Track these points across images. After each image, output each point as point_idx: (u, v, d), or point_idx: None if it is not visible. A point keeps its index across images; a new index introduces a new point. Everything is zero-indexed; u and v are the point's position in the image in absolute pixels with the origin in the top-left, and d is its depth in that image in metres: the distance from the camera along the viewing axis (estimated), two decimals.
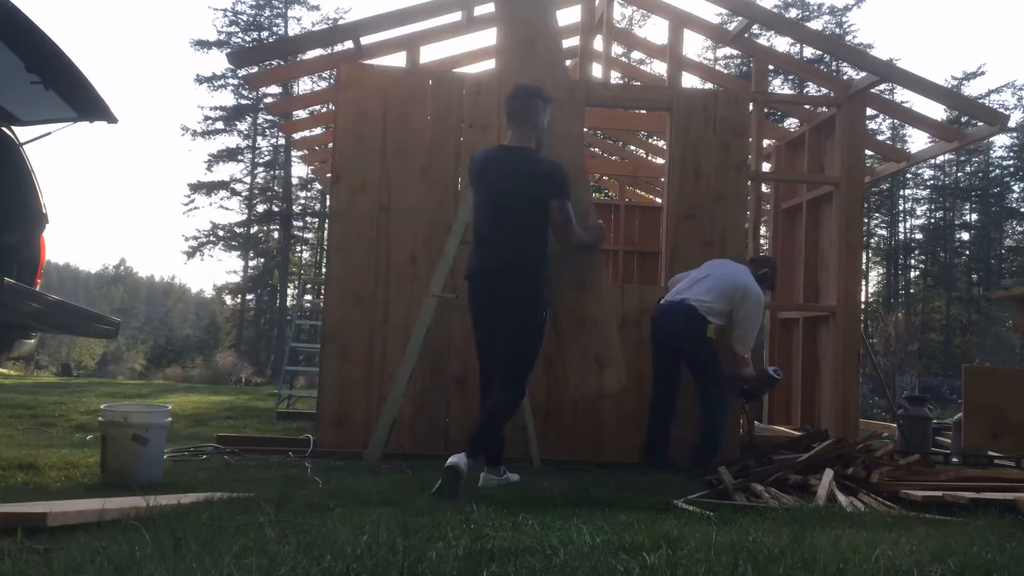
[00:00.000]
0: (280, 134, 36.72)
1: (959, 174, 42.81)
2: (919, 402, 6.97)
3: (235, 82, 39.86)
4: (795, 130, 8.50)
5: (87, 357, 42.30)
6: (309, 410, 8.85)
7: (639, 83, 9.39)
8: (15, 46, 4.05)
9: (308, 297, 18.47)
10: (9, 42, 4.01)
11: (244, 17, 41.65)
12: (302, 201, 42.87)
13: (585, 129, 6.95)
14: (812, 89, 27.73)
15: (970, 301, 38.87)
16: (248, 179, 41.83)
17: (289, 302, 39.51)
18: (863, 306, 12.07)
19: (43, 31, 4.01)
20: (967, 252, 42.84)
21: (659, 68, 16.83)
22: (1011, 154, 41.28)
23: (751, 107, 6.61)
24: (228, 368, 32.44)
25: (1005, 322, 32.04)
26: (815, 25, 36.94)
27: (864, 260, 22.42)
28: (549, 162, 4.41)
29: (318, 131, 9.78)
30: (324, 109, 11.89)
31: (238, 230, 41.20)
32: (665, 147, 6.70)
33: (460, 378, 5.94)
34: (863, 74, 6.78)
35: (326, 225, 22.26)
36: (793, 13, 38.29)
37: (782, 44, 33.46)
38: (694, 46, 44.01)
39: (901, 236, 43.37)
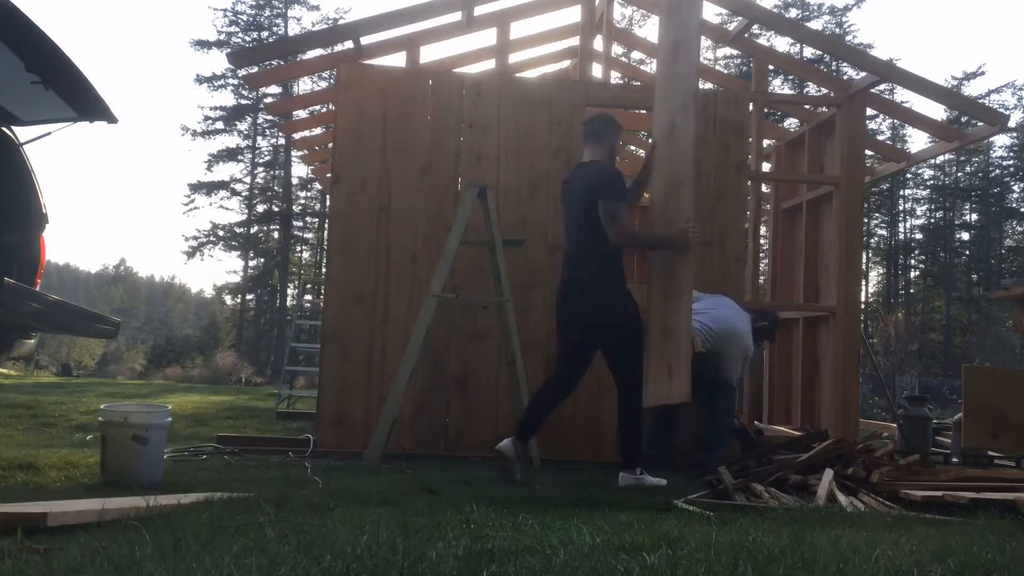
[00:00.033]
0: (280, 134, 36.72)
1: (959, 174, 42.81)
2: (919, 402, 6.97)
3: (235, 82, 39.86)
4: (795, 130, 8.50)
5: (87, 357, 42.29)
6: (309, 410, 8.85)
7: (639, 83, 9.39)
8: (15, 46, 4.05)
9: (308, 297, 18.47)
10: (9, 42, 4.01)
11: (244, 17, 41.66)
12: (302, 201, 42.87)
13: None
14: (812, 89, 27.73)
15: (970, 301, 38.87)
16: (248, 179, 41.84)
17: (289, 302, 39.51)
18: (863, 306, 12.07)
19: (43, 31, 4.01)
20: (967, 252, 42.85)
21: None
22: (1011, 154, 41.28)
23: (751, 107, 6.61)
24: (228, 368, 32.44)
25: (1005, 322, 32.04)
26: (815, 25, 36.94)
27: (864, 260, 22.43)
28: (597, 168, 4.67)
29: (318, 131, 9.78)
30: (324, 109, 11.88)
31: (238, 230, 41.20)
32: None
33: (460, 378, 5.94)
34: (863, 74, 6.78)
35: (326, 225, 22.27)
36: (793, 13, 38.29)
37: (782, 44, 33.50)
38: None
39: (901, 236, 43.38)
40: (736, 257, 6.21)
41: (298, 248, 43.54)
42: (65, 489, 3.81)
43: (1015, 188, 41.58)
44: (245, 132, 41.93)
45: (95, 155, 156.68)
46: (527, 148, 6.13)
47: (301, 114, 20.45)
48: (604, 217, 4.51)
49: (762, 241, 8.93)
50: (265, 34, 41.13)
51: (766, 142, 8.29)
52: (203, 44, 41.28)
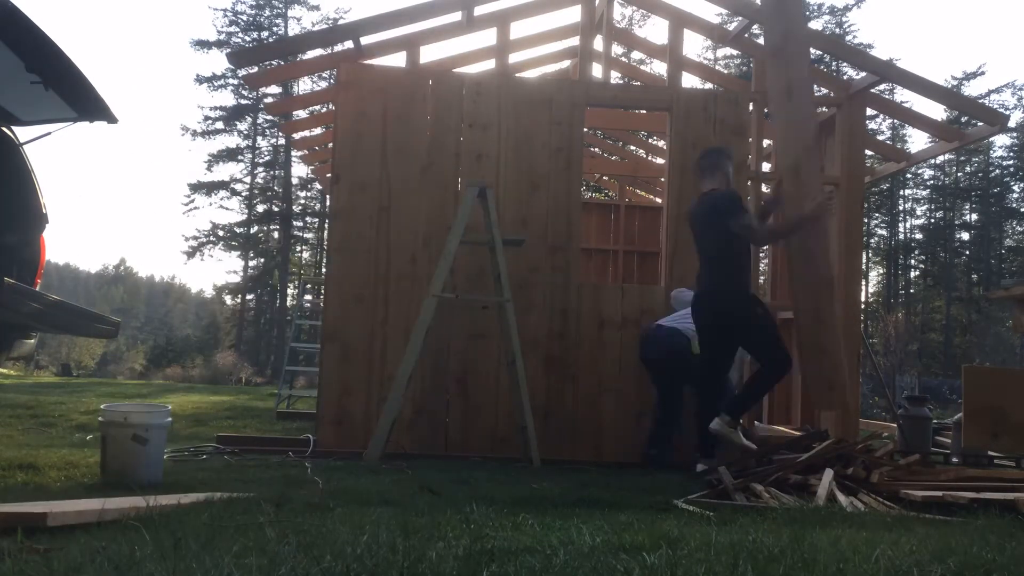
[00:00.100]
0: (280, 134, 36.72)
1: (959, 174, 42.82)
2: (919, 402, 6.96)
3: (235, 82, 39.88)
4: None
5: (87, 357, 42.29)
6: (309, 410, 8.85)
7: (639, 83, 9.39)
8: (15, 46, 4.05)
9: (308, 297, 18.47)
10: (9, 42, 4.01)
11: (244, 17, 41.67)
12: (302, 201, 42.87)
13: (585, 129, 6.95)
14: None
15: (970, 301, 38.86)
16: (248, 179, 41.85)
17: (289, 302, 39.52)
18: (863, 306, 12.05)
19: (43, 31, 4.01)
20: (967, 252, 42.84)
21: (659, 68, 16.84)
22: (1011, 154, 41.29)
23: (751, 107, 6.61)
24: (228, 368, 32.44)
25: (1005, 322, 32.04)
26: (815, 25, 36.94)
27: (864, 260, 22.42)
28: (716, 196, 5.25)
29: (318, 131, 9.77)
30: (324, 109, 11.89)
31: (238, 230, 41.20)
32: (665, 147, 6.70)
33: (460, 378, 5.94)
34: (863, 74, 6.78)
35: (326, 225, 22.26)
36: None
37: None
38: (694, 46, 44.01)
39: (901, 236, 43.38)
40: None
41: (298, 248, 43.55)
42: (65, 489, 3.81)
43: (1015, 188, 41.61)
44: (245, 132, 41.96)
45: (95, 155, 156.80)
46: (527, 148, 6.14)
47: (301, 114, 20.46)
48: (741, 232, 5.11)
49: None
50: (265, 34, 41.15)
51: (766, 142, 8.28)
52: (203, 44, 41.33)
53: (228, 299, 44.12)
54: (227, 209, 44.87)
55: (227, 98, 41.73)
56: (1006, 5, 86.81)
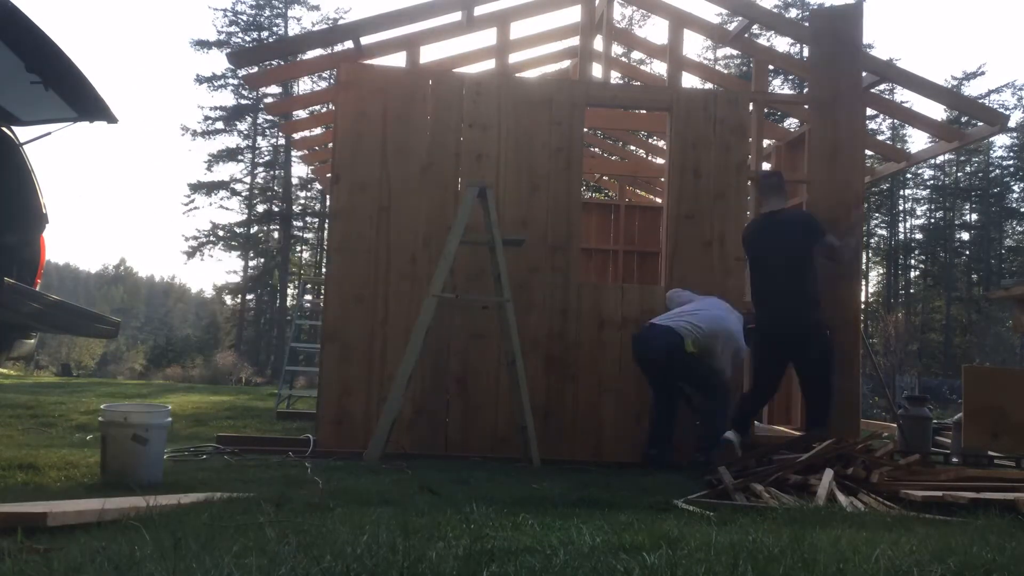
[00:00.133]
0: (280, 134, 36.71)
1: (959, 174, 42.81)
2: (919, 402, 6.96)
3: (235, 82, 39.87)
4: (795, 130, 8.50)
5: (87, 357, 42.29)
6: (309, 410, 8.85)
7: (639, 83, 9.39)
8: (15, 46, 4.05)
9: (308, 297, 18.48)
10: (9, 42, 4.01)
11: (244, 17, 41.67)
12: (302, 201, 42.87)
13: (585, 129, 6.95)
14: None
15: (970, 301, 38.85)
16: (248, 179, 41.85)
17: (289, 302, 39.52)
18: (863, 306, 12.04)
19: (43, 31, 4.01)
20: (967, 252, 42.83)
21: (659, 68, 16.83)
22: (1011, 154, 41.28)
23: (751, 107, 6.61)
24: (228, 368, 32.44)
25: (1005, 322, 32.02)
26: None
27: (864, 260, 22.40)
28: (796, 216, 5.65)
29: (318, 131, 9.78)
30: (324, 109, 11.88)
31: (238, 230, 41.20)
32: (665, 147, 6.70)
33: (460, 378, 5.94)
34: (863, 74, 6.77)
35: (326, 225, 22.25)
36: (793, 13, 38.27)
37: (782, 44, 33.44)
38: (694, 46, 44.00)
39: (901, 236, 43.37)
40: (736, 257, 6.21)
41: (298, 248, 43.55)
42: (65, 489, 3.81)
43: (1015, 188, 41.59)
44: (245, 132, 41.96)
45: (95, 155, 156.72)
46: (527, 148, 6.14)
47: (301, 114, 20.45)
48: (827, 254, 5.58)
49: None
50: (265, 34, 41.14)
51: (766, 142, 8.29)
52: (203, 44, 41.32)
53: (228, 299, 44.12)
54: (227, 209, 44.89)
55: (227, 98, 41.79)
56: (1006, 5, 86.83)
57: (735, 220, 6.24)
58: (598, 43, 7.40)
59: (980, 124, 7.06)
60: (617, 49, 10.91)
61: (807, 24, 6.42)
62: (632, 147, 14.12)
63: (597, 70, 7.37)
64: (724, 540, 2.43)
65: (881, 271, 43.54)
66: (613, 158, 12.22)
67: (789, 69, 26.36)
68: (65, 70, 4.27)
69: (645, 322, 5.96)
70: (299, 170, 40.71)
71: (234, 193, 41.43)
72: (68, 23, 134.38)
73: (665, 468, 5.35)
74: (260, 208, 41.77)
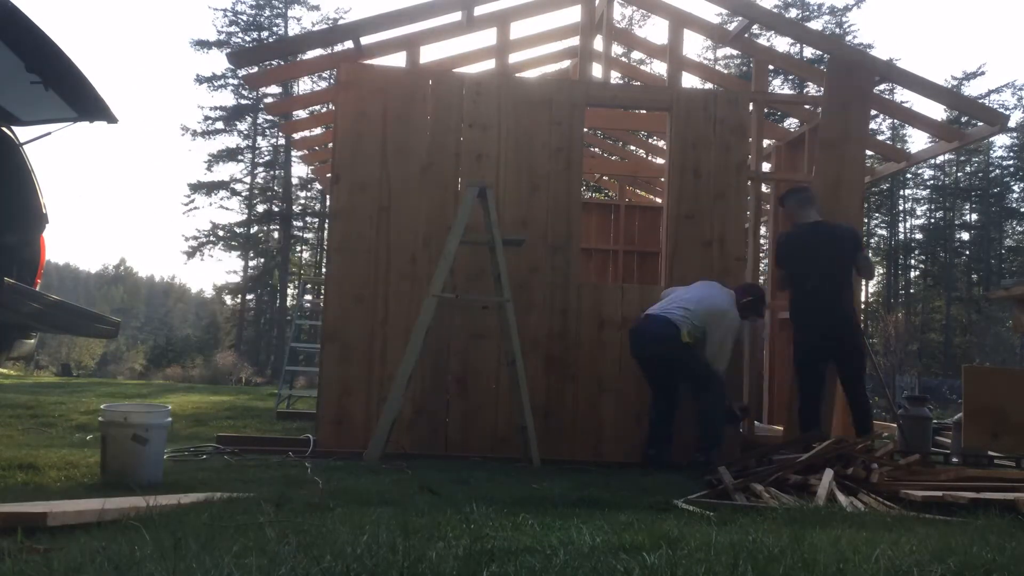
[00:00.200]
0: (280, 134, 36.71)
1: (959, 174, 42.80)
2: (919, 402, 6.96)
3: (235, 82, 39.87)
4: (795, 130, 8.50)
5: (87, 357, 42.29)
6: (309, 410, 8.85)
7: (639, 83, 9.39)
8: (15, 46, 4.04)
9: (308, 297, 18.48)
10: (9, 42, 4.01)
11: (244, 17, 41.67)
12: (302, 201, 42.87)
13: (585, 129, 6.95)
14: (812, 89, 27.70)
15: (970, 301, 38.84)
16: (248, 179, 41.85)
17: (289, 302, 39.51)
18: (863, 306, 12.03)
19: (43, 31, 4.01)
20: (967, 252, 42.83)
21: (659, 68, 16.83)
22: (1011, 154, 41.27)
23: (751, 107, 6.61)
24: (228, 368, 32.44)
25: (1005, 322, 32.03)
26: (815, 25, 36.93)
27: None
28: (843, 229, 5.82)
29: (318, 131, 9.77)
30: (324, 109, 11.88)
31: (238, 230, 41.20)
32: (665, 147, 6.70)
33: (460, 378, 5.94)
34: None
35: (326, 225, 22.25)
36: (793, 13, 38.29)
37: (782, 44, 33.46)
38: (694, 46, 44.02)
39: (901, 236, 43.36)
40: (736, 257, 6.21)
41: (298, 248, 43.55)
42: (65, 489, 3.81)
43: (1015, 188, 41.59)
44: (245, 132, 41.96)
45: (95, 155, 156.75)
46: (527, 148, 6.14)
47: (301, 114, 20.44)
48: (864, 264, 5.91)
49: (762, 241, 8.93)
50: (265, 34, 41.14)
51: (766, 142, 8.28)
52: (203, 44, 41.33)
53: (228, 299, 44.12)
54: (227, 209, 44.91)
55: (227, 98, 41.79)
56: (1006, 5, 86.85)
57: (735, 220, 6.25)
58: (598, 43, 7.40)
59: (980, 124, 7.05)
60: (617, 49, 10.91)
61: (823, 68, 6.77)
62: (632, 147, 14.11)
63: (597, 70, 7.37)
64: (724, 540, 2.43)
65: (881, 271, 43.53)
66: (613, 158, 12.22)
67: (789, 69, 26.33)
68: (65, 70, 4.27)
69: (631, 327, 5.96)
70: (299, 170, 40.75)
71: (234, 193, 41.45)
72: (68, 23, 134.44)
73: (665, 468, 5.35)
74: (260, 208, 41.77)
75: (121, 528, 2.51)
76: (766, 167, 8.43)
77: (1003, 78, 76.82)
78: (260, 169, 42.25)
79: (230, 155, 41.39)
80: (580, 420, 5.99)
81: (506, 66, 6.66)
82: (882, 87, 7.42)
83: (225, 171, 41.54)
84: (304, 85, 36.72)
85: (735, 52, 29.53)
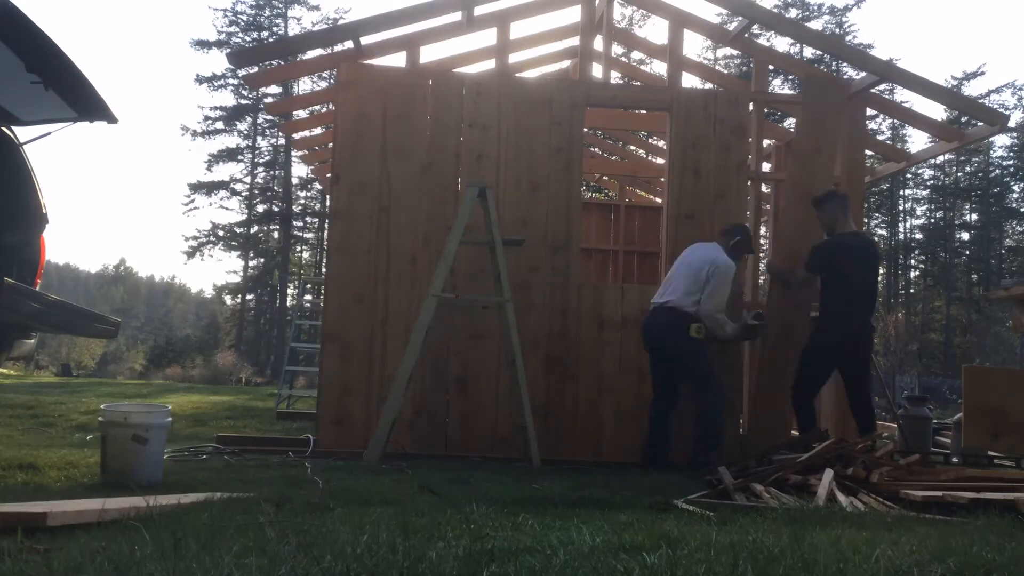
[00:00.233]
0: (280, 134, 36.70)
1: (959, 174, 42.79)
2: (919, 402, 6.96)
3: (235, 82, 39.85)
4: (795, 130, 8.48)
5: (87, 357, 42.28)
6: (309, 410, 8.85)
7: (639, 83, 9.39)
8: (15, 46, 4.04)
9: (308, 297, 18.50)
10: (9, 42, 4.01)
11: (244, 17, 41.65)
12: (302, 201, 42.86)
13: (585, 129, 6.95)
14: None
15: (970, 301, 38.83)
16: (248, 179, 41.83)
17: (289, 302, 39.50)
18: None
19: (43, 31, 4.01)
20: (967, 252, 42.82)
21: (659, 68, 16.83)
22: (1011, 154, 41.25)
23: (751, 107, 6.61)
24: (228, 368, 32.43)
25: (1005, 322, 32.02)
26: (815, 25, 36.92)
27: None
28: (872, 240, 6.01)
29: (318, 131, 9.77)
30: (324, 109, 11.88)
31: (238, 230, 41.18)
32: (665, 147, 6.70)
33: (460, 378, 5.94)
34: (863, 74, 6.78)
35: (326, 225, 22.26)
36: (793, 13, 38.27)
37: (782, 44, 33.47)
38: (694, 46, 44.01)
39: (901, 236, 43.36)
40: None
41: (298, 248, 43.53)
42: (65, 489, 3.81)
43: (1015, 188, 41.57)
44: (245, 132, 41.94)
45: (95, 155, 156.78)
46: (527, 148, 6.14)
47: (301, 114, 20.45)
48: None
49: (762, 241, 8.93)
50: (265, 34, 41.12)
51: (766, 142, 8.28)
52: (203, 44, 41.30)
53: (228, 299, 44.10)
54: (227, 209, 44.90)
55: (227, 98, 41.76)
56: (1006, 5, 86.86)
57: (735, 220, 6.24)
58: (598, 43, 7.39)
59: (980, 124, 7.05)
60: (617, 49, 10.91)
61: (800, 86, 6.95)
62: (632, 147, 14.11)
63: (597, 70, 7.37)
64: (724, 540, 2.43)
65: (881, 271, 43.49)
66: (613, 158, 12.22)
67: (789, 69, 26.32)
68: (65, 70, 4.27)
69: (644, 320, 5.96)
70: (299, 170, 40.73)
71: (234, 193, 41.43)
72: (68, 23, 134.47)
73: (665, 468, 5.35)
74: (260, 208, 41.76)
75: (121, 528, 2.51)
76: (766, 167, 8.43)
77: (1003, 78, 76.89)
78: (260, 169, 42.24)
79: (230, 155, 41.38)
80: (580, 420, 5.99)
81: (506, 66, 6.66)
82: (882, 87, 7.41)
83: (225, 171, 41.57)
84: (304, 85, 36.73)
85: (735, 52, 29.53)
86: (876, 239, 41.31)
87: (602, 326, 6.10)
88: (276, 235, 41.69)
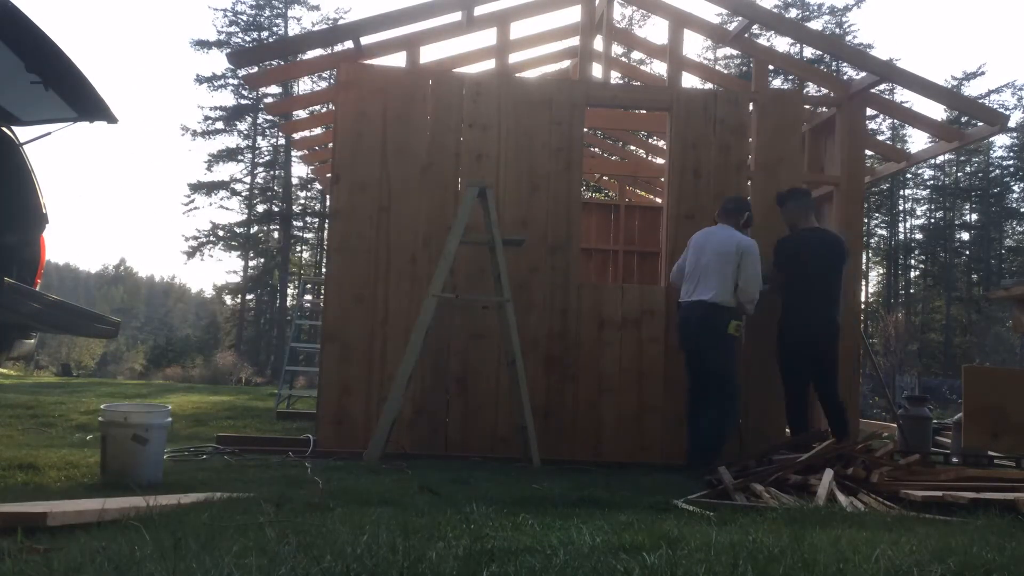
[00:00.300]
0: (280, 134, 36.71)
1: (959, 174, 42.80)
2: (919, 402, 6.97)
3: (235, 82, 39.86)
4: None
5: (87, 357, 42.29)
6: (309, 410, 8.85)
7: (639, 83, 9.39)
8: (15, 46, 4.04)
9: (308, 297, 18.48)
10: (9, 42, 4.01)
11: (244, 17, 41.66)
12: (302, 201, 42.86)
13: (585, 129, 6.95)
14: (812, 89, 27.67)
15: (970, 301, 38.84)
16: (248, 179, 41.84)
17: (289, 302, 39.50)
18: (863, 306, 12.03)
19: (43, 31, 4.00)
20: (967, 252, 42.83)
21: (659, 68, 16.84)
22: (1011, 154, 41.26)
23: (751, 107, 6.61)
24: (228, 368, 32.43)
25: (1005, 322, 32.02)
26: (815, 25, 36.93)
27: (864, 260, 22.37)
28: (836, 237, 5.95)
29: (318, 131, 9.77)
30: (324, 109, 11.88)
31: (238, 230, 41.19)
32: (665, 147, 6.70)
33: (460, 378, 5.94)
34: (863, 74, 6.78)
35: (326, 225, 22.26)
36: (793, 13, 38.28)
37: (782, 44, 33.48)
38: (694, 46, 44.07)
39: (901, 236, 43.37)
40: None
41: (298, 248, 43.54)
42: (65, 489, 3.81)
43: (1015, 188, 41.58)
44: (245, 132, 41.95)
45: (95, 155, 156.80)
46: (527, 148, 6.14)
47: (301, 114, 20.46)
48: (844, 277, 5.95)
49: None
50: (265, 34, 41.13)
51: None
52: (203, 44, 41.32)
53: (228, 299, 44.10)
54: (227, 209, 44.92)
55: (227, 98, 41.78)
56: (1006, 5, 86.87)
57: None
58: (598, 43, 7.39)
59: (980, 124, 7.05)
60: (617, 49, 10.91)
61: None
62: (632, 147, 14.11)
63: (597, 70, 7.36)
64: (724, 540, 2.43)
65: (881, 271, 43.54)
66: (613, 158, 12.21)
67: (789, 69, 26.30)
68: (65, 70, 4.27)
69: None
70: (299, 170, 40.75)
71: (234, 193, 41.44)
72: (68, 23, 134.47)
73: (712, 469, 5.12)
74: (260, 208, 41.76)
75: (121, 528, 2.51)
76: None
77: (1003, 78, 76.94)
78: (260, 169, 42.25)
79: (230, 155, 41.38)
80: (580, 420, 5.99)
81: (506, 66, 6.66)
82: (882, 87, 7.41)
83: (225, 171, 41.58)
84: (304, 85, 36.75)
85: (735, 52, 29.53)
86: (876, 239, 41.38)
87: (602, 326, 6.10)
88: (276, 235, 41.70)
